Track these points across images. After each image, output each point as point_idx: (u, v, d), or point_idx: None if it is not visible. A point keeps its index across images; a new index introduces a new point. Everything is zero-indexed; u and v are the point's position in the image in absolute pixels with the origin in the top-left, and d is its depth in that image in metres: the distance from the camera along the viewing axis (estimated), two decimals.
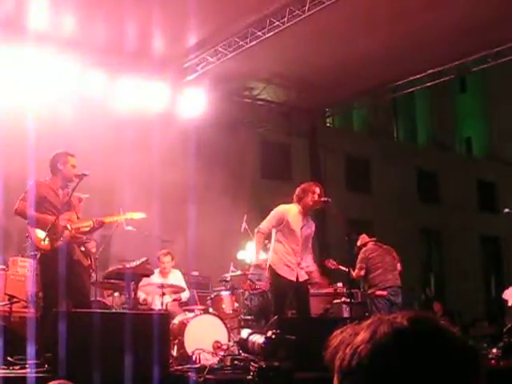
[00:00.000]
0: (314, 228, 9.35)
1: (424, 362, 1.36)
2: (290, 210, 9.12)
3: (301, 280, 9.01)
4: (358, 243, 11.93)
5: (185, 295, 11.04)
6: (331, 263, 11.55)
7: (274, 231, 9.14)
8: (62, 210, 7.92)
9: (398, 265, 11.75)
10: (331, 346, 1.47)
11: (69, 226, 7.97)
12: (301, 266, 9.03)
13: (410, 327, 1.40)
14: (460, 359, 1.39)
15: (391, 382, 1.36)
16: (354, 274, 11.46)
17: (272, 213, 9.20)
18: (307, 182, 9.55)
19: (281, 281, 8.94)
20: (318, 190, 9.18)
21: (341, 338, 1.46)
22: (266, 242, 10.49)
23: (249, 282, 11.35)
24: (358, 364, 1.39)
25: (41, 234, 7.79)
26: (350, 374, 1.40)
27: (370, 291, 11.53)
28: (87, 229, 8.27)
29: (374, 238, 11.99)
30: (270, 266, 9.10)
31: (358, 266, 11.60)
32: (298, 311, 9.17)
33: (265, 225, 9.13)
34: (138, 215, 8.80)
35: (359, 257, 11.70)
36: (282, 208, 9.19)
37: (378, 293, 11.33)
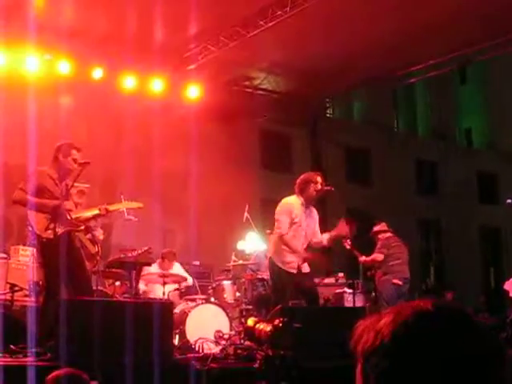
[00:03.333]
0: (316, 214, 9.22)
1: (446, 345, 1.35)
2: (294, 203, 8.98)
3: (304, 272, 8.95)
4: (376, 229, 12.02)
5: (189, 282, 11.03)
6: (348, 243, 11.39)
7: (276, 224, 9.07)
8: (61, 200, 7.87)
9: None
10: (356, 334, 1.46)
11: (68, 215, 7.92)
12: (304, 258, 8.96)
13: (434, 310, 1.40)
14: (483, 346, 1.37)
15: (412, 362, 1.35)
16: (369, 258, 11.61)
17: (280, 212, 8.98)
18: (308, 172, 9.42)
19: (281, 273, 8.85)
20: (319, 179, 9.08)
21: (365, 325, 1.46)
22: (268, 231, 10.46)
23: (250, 271, 11.33)
24: (379, 345, 1.39)
25: (42, 222, 7.73)
26: (372, 355, 1.40)
27: (386, 277, 11.46)
28: (90, 215, 8.23)
29: (392, 230, 12.06)
30: (270, 258, 9.05)
31: (378, 250, 11.66)
32: (307, 303, 8.97)
33: (282, 227, 8.85)
34: (135, 205, 8.76)
35: (381, 242, 11.76)
36: (286, 203, 9.03)
37: (395, 281, 11.36)
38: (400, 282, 11.35)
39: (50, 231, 7.64)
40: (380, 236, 11.87)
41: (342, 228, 9.03)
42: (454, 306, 1.43)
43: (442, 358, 1.33)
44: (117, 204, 8.78)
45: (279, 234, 8.89)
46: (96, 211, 8.21)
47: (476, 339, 1.37)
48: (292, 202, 9.01)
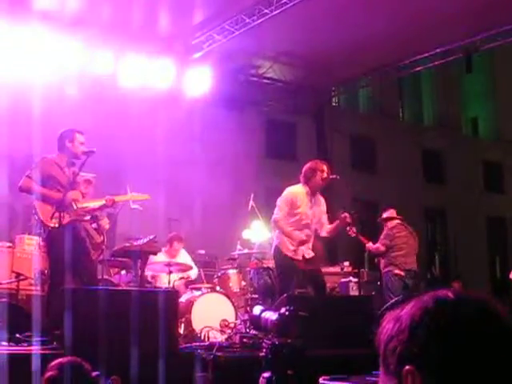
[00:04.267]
0: (323, 204, 9.18)
1: (464, 330, 1.36)
2: (298, 193, 8.94)
3: (307, 257, 8.91)
4: (384, 215, 11.89)
5: (194, 272, 11.01)
6: (352, 231, 11.29)
7: (275, 210, 9.01)
8: (68, 188, 7.87)
9: (417, 247, 11.74)
10: (380, 327, 1.49)
11: (74, 205, 7.93)
12: (308, 246, 8.94)
13: (454, 298, 1.42)
14: (501, 332, 1.37)
15: (431, 347, 1.36)
16: (373, 247, 11.51)
17: (281, 199, 8.97)
18: (314, 161, 9.35)
19: (286, 260, 8.83)
20: (325, 167, 9.04)
21: (388, 317, 1.48)
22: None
23: (256, 260, 11.32)
24: (398, 330, 1.41)
25: (48, 211, 7.73)
26: (391, 340, 1.42)
27: (387, 268, 11.37)
28: (96, 206, 8.25)
29: (400, 217, 11.87)
30: (276, 246, 9.00)
31: (381, 241, 11.54)
32: (314, 290, 8.98)
33: (279, 213, 8.85)
34: (142, 196, 8.77)
35: (384, 232, 11.64)
36: (289, 192, 8.98)
37: (396, 271, 11.23)
38: (402, 273, 11.22)
39: (55, 220, 7.64)
40: (387, 224, 11.72)
41: (343, 220, 9.01)
42: (475, 294, 1.45)
43: (459, 344, 1.34)
44: (123, 195, 8.79)
45: (274, 218, 8.90)
46: (102, 202, 8.22)
47: (494, 323, 1.38)
48: (296, 191, 8.97)
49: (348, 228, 10.76)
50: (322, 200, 9.17)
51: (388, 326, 1.45)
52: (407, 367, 1.37)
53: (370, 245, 11.55)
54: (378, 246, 11.50)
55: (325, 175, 8.94)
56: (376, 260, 12.05)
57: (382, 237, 11.62)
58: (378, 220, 12.03)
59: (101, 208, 8.41)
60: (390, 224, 11.68)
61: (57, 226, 7.62)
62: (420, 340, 1.37)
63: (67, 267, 7.52)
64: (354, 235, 11.15)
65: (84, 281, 7.78)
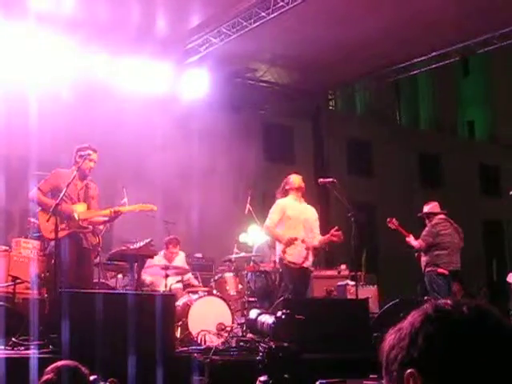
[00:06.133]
0: (313, 213, 9.51)
1: (463, 338, 1.37)
2: (286, 203, 9.33)
3: (305, 266, 9.07)
4: (426, 210, 11.11)
5: (186, 277, 11.06)
6: (392, 223, 10.95)
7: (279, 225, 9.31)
8: (75, 201, 8.11)
9: (462, 243, 11.20)
10: (383, 341, 1.51)
11: (76, 216, 8.11)
12: (307, 250, 9.07)
13: (454, 304, 1.44)
14: (501, 341, 1.38)
15: (431, 350, 1.37)
16: (414, 243, 10.82)
17: (272, 209, 9.41)
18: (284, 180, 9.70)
19: (290, 267, 9.07)
20: (292, 178, 9.53)
21: (390, 331, 1.50)
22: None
23: (252, 263, 11.31)
24: (399, 338, 1.44)
25: (47, 223, 7.88)
26: (393, 349, 1.44)
27: (429, 268, 10.68)
28: (103, 219, 8.44)
29: (445, 211, 11.17)
30: (279, 257, 9.27)
31: (423, 237, 10.78)
32: (294, 293, 9.05)
33: (269, 220, 9.32)
34: (148, 207, 8.86)
35: (428, 229, 10.84)
36: (279, 203, 9.40)
37: (440, 270, 10.56)
38: (446, 272, 10.59)
39: (52, 233, 7.77)
40: (430, 219, 10.94)
41: (335, 235, 9.17)
42: (474, 301, 1.45)
43: (458, 347, 1.36)
44: (129, 206, 8.96)
45: (265, 225, 9.46)
46: (107, 212, 8.36)
47: (493, 329, 1.39)
48: (285, 202, 9.39)
49: (388, 219, 10.74)
50: (311, 210, 9.42)
51: (390, 337, 1.47)
52: (409, 370, 1.38)
53: (410, 239, 10.86)
54: (420, 242, 10.74)
55: (294, 184, 9.43)
56: (416, 255, 11.08)
57: (424, 233, 10.83)
58: (419, 215, 11.22)
59: (105, 222, 8.60)
60: (434, 220, 10.91)
61: (53, 237, 7.76)
62: (420, 345, 1.39)
63: (63, 273, 7.61)
64: (394, 227, 10.95)
65: (82, 287, 7.85)
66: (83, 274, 8.18)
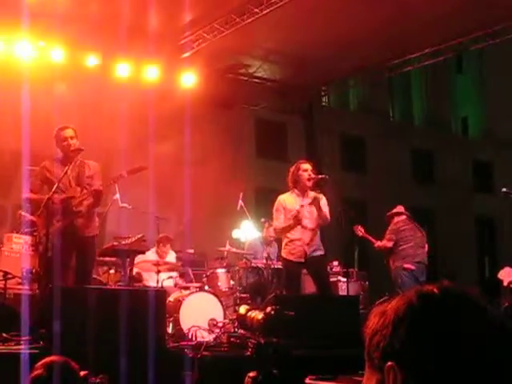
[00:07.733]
0: (321, 199, 9.12)
1: (448, 326, 1.34)
2: (285, 199, 9.18)
3: (309, 255, 8.98)
4: (392, 211, 11.49)
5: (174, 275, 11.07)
6: (359, 230, 11.15)
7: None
8: (67, 187, 7.92)
9: (426, 245, 11.44)
10: (367, 321, 1.48)
11: (70, 204, 7.93)
12: (309, 245, 9.01)
13: (439, 292, 1.39)
14: (486, 327, 1.35)
15: (412, 343, 1.34)
16: (380, 244, 11.14)
17: (274, 208, 9.23)
18: (294, 164, 9.41)
19: (289, 265, 9.04)
20: (305, 166, 9.18)
21: (374, 311, 1.47)
22: (263, 219, 10.52)
23: (245, 259, 11.33)
24: (383, 324, 1.40)
25: (40, 219, 7.83)
26: (375, 335, 1.41)
27: (397, 263, 10.97)
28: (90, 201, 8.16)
29: (407, 213, 11.50)
30: (281, 255, 9.30)
31: (387, 236, 11.17)
32: (318, 289, 9.14)
33: (276, 222, 9.20)
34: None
35: (390, 227, 11.25)
36: (278, 200, 9.24)
37: (406, 266, 10.85)
38: (412, 267, 10.85)
39: (44, 229, 7.69)
40: (393, 219, 11.34)
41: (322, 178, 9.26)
42: (461, 288, 1.42)
43: (441, 342, 1.32)
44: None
45: (274, 229, 9.50)
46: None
47: (479, 320, 1.35)
48: (283, 198, 9.21)
49: (355, 227, 10.84)
50: (318, 197, 9.11)
51: (374, 320, 1.43)
52: (389, 363, 1.35)
53: (378, 243, 11.20)
54: (384, 242, 11.11)
55: (309, 173, 9.04)
56: (385, 261, 11.42)
57: (387, 232, 11.24)
58: (386, 216, 11.57)
59: (92, 205, 8.28)
60: (397, 219, 11.32)
61: (45, 232, 7.66)
62: (402, 336, 1.35)
63: (56, 267, 7.55)
64: (361, 234, 11.15)
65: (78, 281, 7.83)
66: (84, 270, 8.08)
